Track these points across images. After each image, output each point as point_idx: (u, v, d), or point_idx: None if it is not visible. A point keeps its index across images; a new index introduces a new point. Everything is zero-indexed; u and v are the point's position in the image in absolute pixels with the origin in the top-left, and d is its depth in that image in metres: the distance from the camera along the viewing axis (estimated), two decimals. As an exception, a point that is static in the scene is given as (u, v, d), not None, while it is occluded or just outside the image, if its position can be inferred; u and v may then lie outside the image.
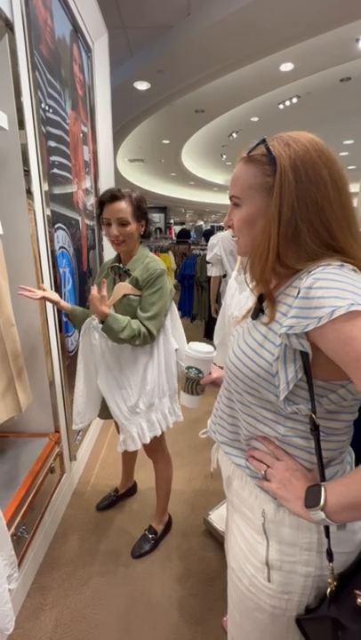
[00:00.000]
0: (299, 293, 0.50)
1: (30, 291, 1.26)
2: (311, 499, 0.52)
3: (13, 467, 1.40)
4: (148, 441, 1.36)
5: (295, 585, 0.59)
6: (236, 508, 0.70)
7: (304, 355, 0.52)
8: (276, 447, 0.60)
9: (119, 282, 1.31)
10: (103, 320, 1.17)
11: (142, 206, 1.28)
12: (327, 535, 0.55)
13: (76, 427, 1.42)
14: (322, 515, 0.50)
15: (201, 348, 0.84)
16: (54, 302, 1.34)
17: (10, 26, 1.19)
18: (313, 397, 0.53)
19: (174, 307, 1.41)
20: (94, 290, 1.15)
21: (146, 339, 1.25)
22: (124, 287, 1.26)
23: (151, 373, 1.33)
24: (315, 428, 0.54)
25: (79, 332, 1.38)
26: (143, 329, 1.24)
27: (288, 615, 0.61)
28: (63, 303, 1.36)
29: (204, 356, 0.82)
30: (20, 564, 1.22)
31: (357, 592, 0.52)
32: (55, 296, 1.33)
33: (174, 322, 1.41)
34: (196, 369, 0.83)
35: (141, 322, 1.24)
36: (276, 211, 0.53)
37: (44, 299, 1.31)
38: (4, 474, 1.36)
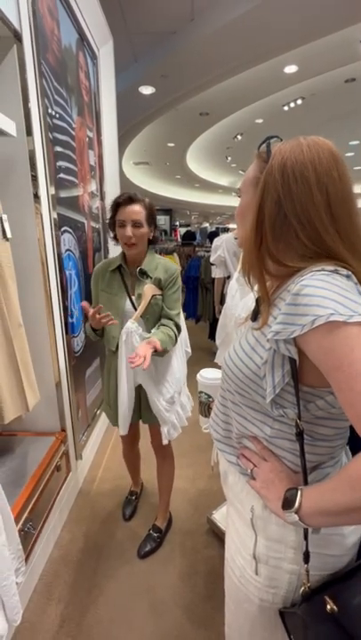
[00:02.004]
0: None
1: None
2: (288, 501, 0.53)
3: (21, 464, 1.44)
4: (186, 423, 1.48)
5: (281, 580, 0.60)
6: (230, 502, 0.73)
7: (292, 360, 0.52)
8: (263, 447, 0.61)
9: (130, 283, 1.35)
10: (159, 350, 1.19)
11: (153, 212, 1.33)
12: (305, 537, 0.56)
13: (124, 433, 1.40)
14: (295, 517, 0.51)
15: (209, 374, 0.89)
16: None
17: (18, 37, 1.23)
18: (299, 402, 0.53)
19: None
20: (145, 346, 1.13)
21: (176, 335, 1.34)
22: (151, 288, 1.32)
23: (176, 362, 1.44)
24: (299, 433, 0.54)
25: (104, 341, 1.40)
26: (175, 328, 1.33)
27: (275, 609, 0.62)
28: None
29: (210, 382, 0.88)
30: (27, 559, 1.25)
31: (327, 599, 0.53)
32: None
33: None
34: (206, 394, 0.90)
35: (172, 318, 1.35)
36: (256, 203, 0.56)
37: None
38: (12, 471, 1.39)
